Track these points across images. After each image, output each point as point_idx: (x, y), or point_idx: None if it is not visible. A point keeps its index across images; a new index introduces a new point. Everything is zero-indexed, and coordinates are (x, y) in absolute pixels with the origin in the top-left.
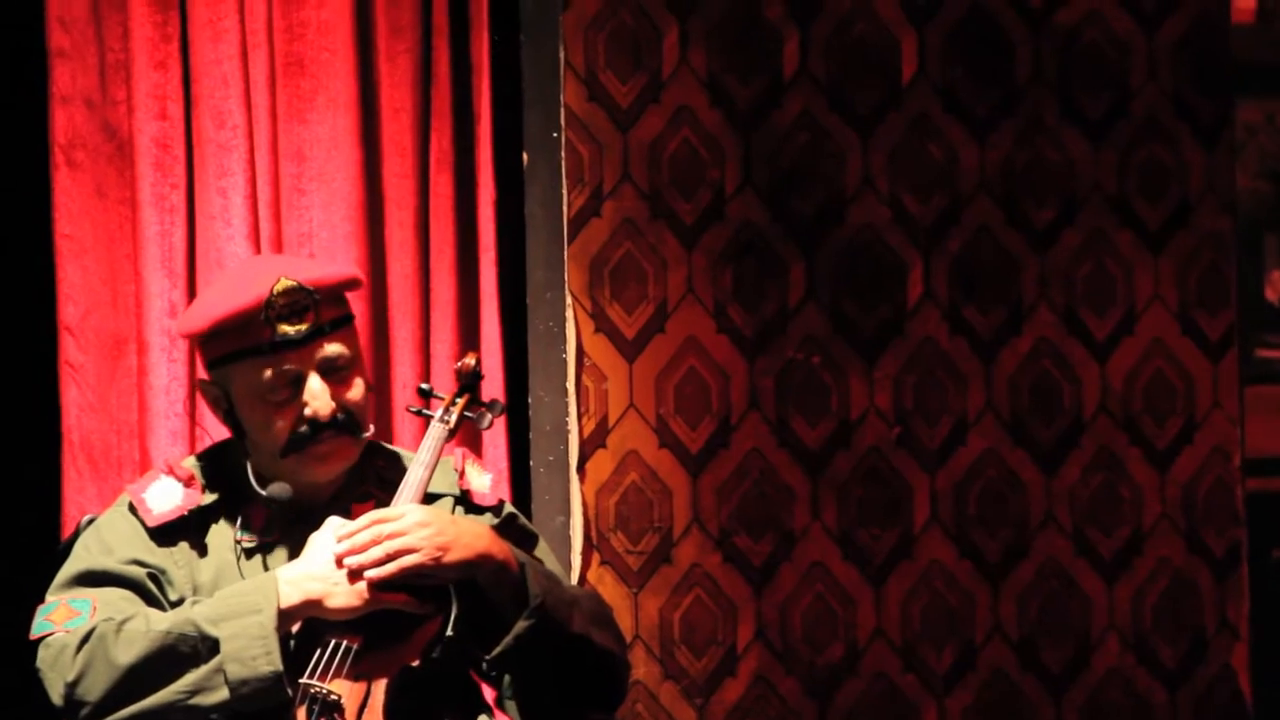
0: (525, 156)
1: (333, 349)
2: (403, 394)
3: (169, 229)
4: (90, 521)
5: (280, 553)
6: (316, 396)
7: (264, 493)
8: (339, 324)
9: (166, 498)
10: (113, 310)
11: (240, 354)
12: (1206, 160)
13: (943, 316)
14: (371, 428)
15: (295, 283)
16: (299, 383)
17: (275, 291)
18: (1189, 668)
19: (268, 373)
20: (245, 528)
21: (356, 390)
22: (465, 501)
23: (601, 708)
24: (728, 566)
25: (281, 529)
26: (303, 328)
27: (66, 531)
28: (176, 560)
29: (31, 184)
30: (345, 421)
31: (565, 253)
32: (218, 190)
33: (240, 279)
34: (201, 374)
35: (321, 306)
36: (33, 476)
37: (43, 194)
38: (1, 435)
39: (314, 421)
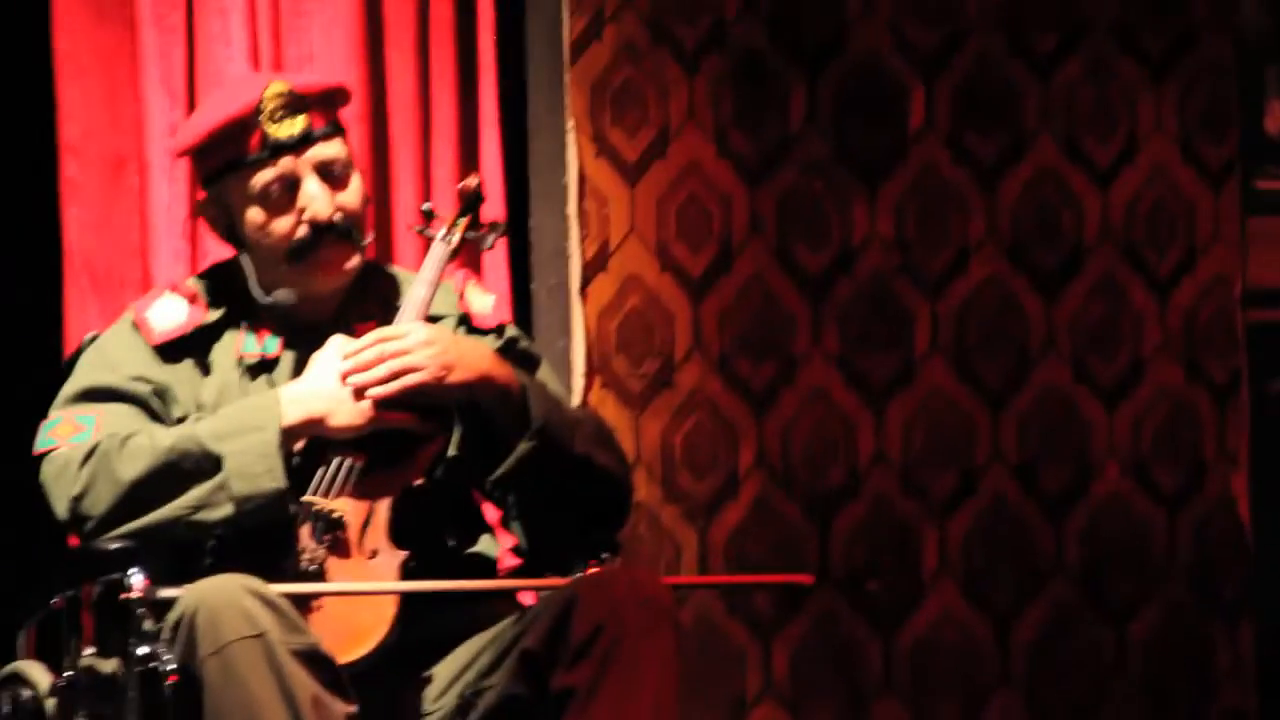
0: None
1: (328, 151)
2: (403, 217)
3: (169, 49)
4: (93, 339)
5: (283, 370)
6: (315, 198)
7: (267, 299)
8: (332, 132)
9: (170, 315)
10: (113, 130)
11: (236, 163)
12: None
13: (945, 144)
14: (371, 235)
15: (286, 86)
16: (296, 187)
17: (266, 95)
18: (1188, 494)
19: (265, 176)
20: (248, 345)
21: (353, 194)
22: (466, 324)
23: (605, 528)
24: (729, 391)
25: (284, 347)
26: (295, 131)
27: (69, 350)
28: (180, 378)
29: (31, 2)
30: (344, 226)
31: (566, 77)
32: (217, 10)
33: (230, 91)
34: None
35: (313, 111)
36: (35, 296)
37: (42, 13)
38: (3, 254)
39: (314, 224)
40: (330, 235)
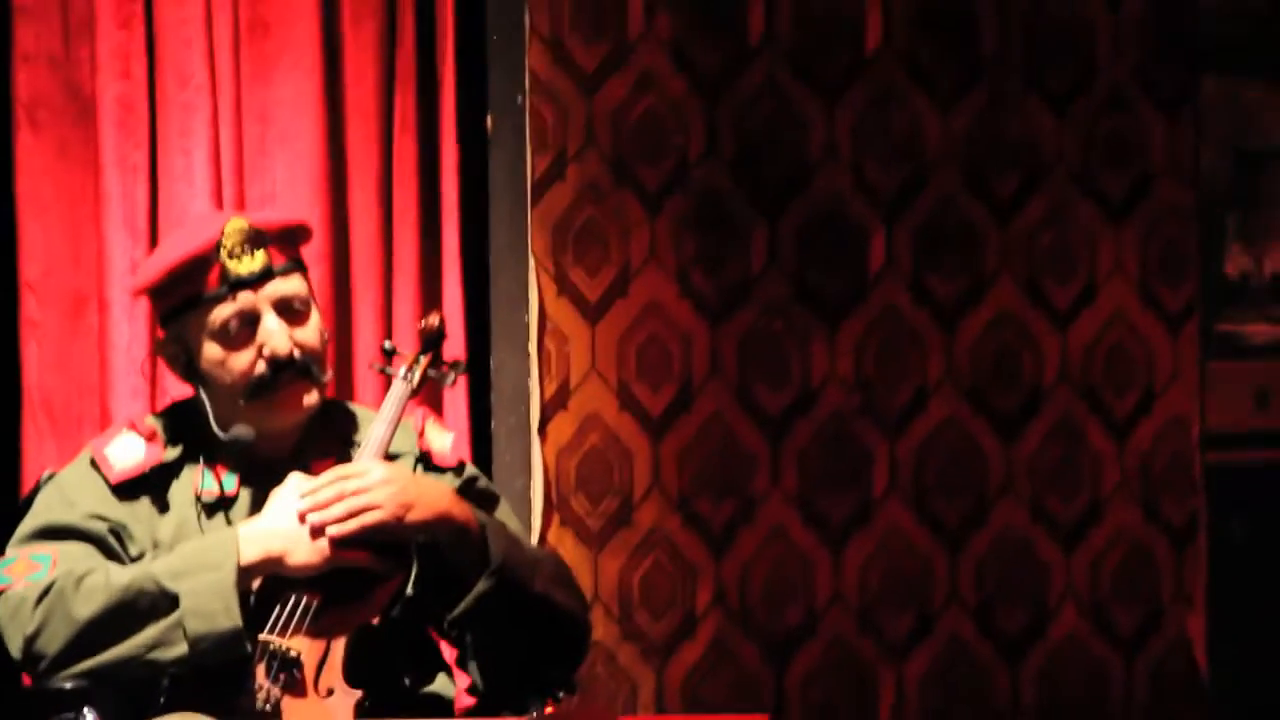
0: (490, 120)
1: (288, 287)
2: (364, 355)
3: (131, 188)
4: (50, 477)
5: (240, 509)
6: (274, 333)
7: (226, 435)
8: (292, 268)
9: (129, 453)
10: (74, 269)
11: (195, 300)
12: (1169, 133)
13: (906, 285)
14: (330, 373)
15: (245, 223)
16: (255, 322)
17: (226, 231)
18: (1145, 636)
19: (224, 312)
20: (206, 484)
21: (312, 331)
22: (425, 462)
23: (562, 667)
24: (688, 529)
25: (241, 484)
26: (255, 268)
27: (25, 488)
28: (138, 516)
29: None
30: (302, 363)
31: (529, 216)
32: (181, 150)
33: (190, 230)
34: (161, 334)
35: (272, 247)
36: None
37: (4, 152)
38: None
39: (274, 360)
40: (289, 372)
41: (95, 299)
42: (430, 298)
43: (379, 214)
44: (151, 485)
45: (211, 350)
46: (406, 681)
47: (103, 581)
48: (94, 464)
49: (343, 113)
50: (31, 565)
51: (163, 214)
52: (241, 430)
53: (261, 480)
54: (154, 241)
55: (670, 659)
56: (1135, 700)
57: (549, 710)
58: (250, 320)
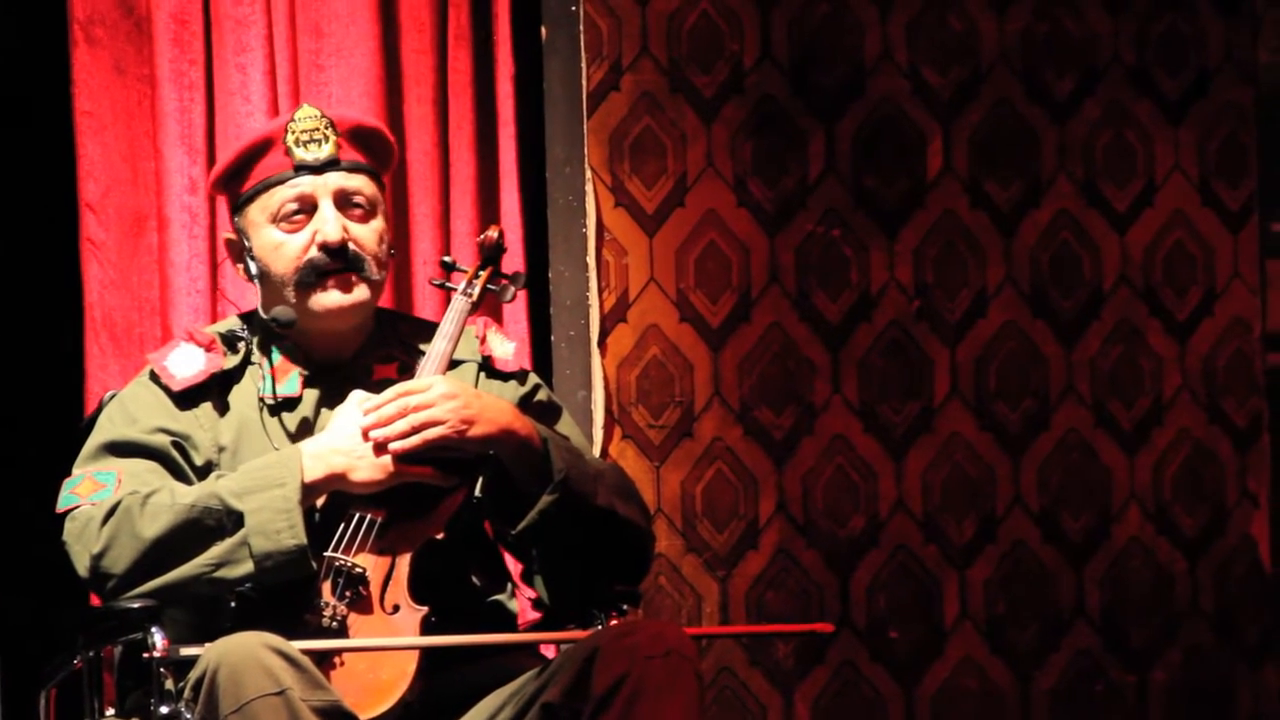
0: (544, 31)
1: (352, 182)
2: (423, 270)
3: (188, 105)
4: (113, 397)
5: (305, 407)
6: (327, 221)
7: (267, 315)
8: (361, 168)
9: (189, 363)
10: (133, 187)
11: (262, 186)
12: (1226, 30)
13: (963, 189)
14: (383, 275)
15: (317, 111)
16: (314, 210)
17: (296, 117)
18: (1209, 538)
19: (284, 194)
20: (266, 387)
21: (370, 232)
22: (487, 367)
23: (626, 580)
24: (749, 440)
25: (304, 386)
26: (320, 155)
27: (90, 408)
28: (201, 424)
29: (51, 61)
30: (355, 256)
31: (585, 127)
32: (236, 66)
33: (263, 124)
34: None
35: (343, 141)
36: (55, 354)
37: (62, 71)
38: (24, 312)
39: (324, 247)
40: (337, 261)
41: (155, 217)
42: (487, 211)
43: (435, 128)
44: (212, 392)
45: (268, 235)
46: (474, 590)
47: (168, 501)
48: (154, 376)
49: (397, 25)
50: (96, 484)
51: (219, 130)
52: (281, 311)
53: (323, 382)
54: (211, 159)
55: (734, 570)
56: (1200, 602)
57: (614, 623)
58: (309, 207)
